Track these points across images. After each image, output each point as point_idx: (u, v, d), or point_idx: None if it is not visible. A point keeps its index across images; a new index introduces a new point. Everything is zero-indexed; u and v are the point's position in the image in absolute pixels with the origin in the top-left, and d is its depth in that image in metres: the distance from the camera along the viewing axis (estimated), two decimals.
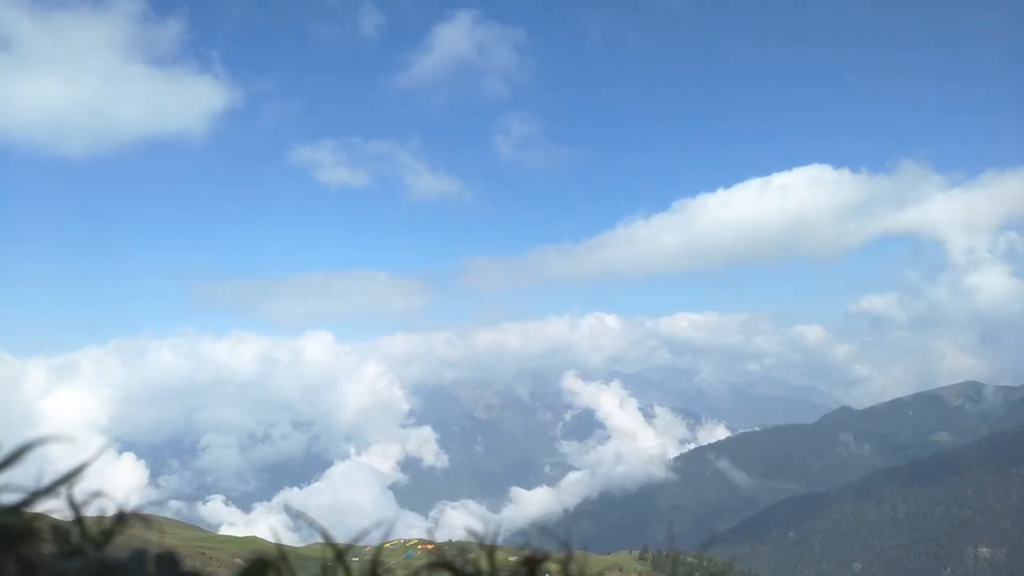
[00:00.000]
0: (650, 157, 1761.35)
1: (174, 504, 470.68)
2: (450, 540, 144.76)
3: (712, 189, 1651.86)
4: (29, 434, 2.24)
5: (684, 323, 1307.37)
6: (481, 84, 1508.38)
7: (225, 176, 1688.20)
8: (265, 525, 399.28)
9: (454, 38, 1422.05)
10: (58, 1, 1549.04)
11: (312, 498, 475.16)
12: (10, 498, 2.28)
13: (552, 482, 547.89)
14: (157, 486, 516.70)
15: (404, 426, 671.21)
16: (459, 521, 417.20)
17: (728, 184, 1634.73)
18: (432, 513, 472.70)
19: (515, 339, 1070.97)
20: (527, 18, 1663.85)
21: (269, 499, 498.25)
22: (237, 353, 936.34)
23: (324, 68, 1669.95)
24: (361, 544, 2.30)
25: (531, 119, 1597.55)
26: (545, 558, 2.26)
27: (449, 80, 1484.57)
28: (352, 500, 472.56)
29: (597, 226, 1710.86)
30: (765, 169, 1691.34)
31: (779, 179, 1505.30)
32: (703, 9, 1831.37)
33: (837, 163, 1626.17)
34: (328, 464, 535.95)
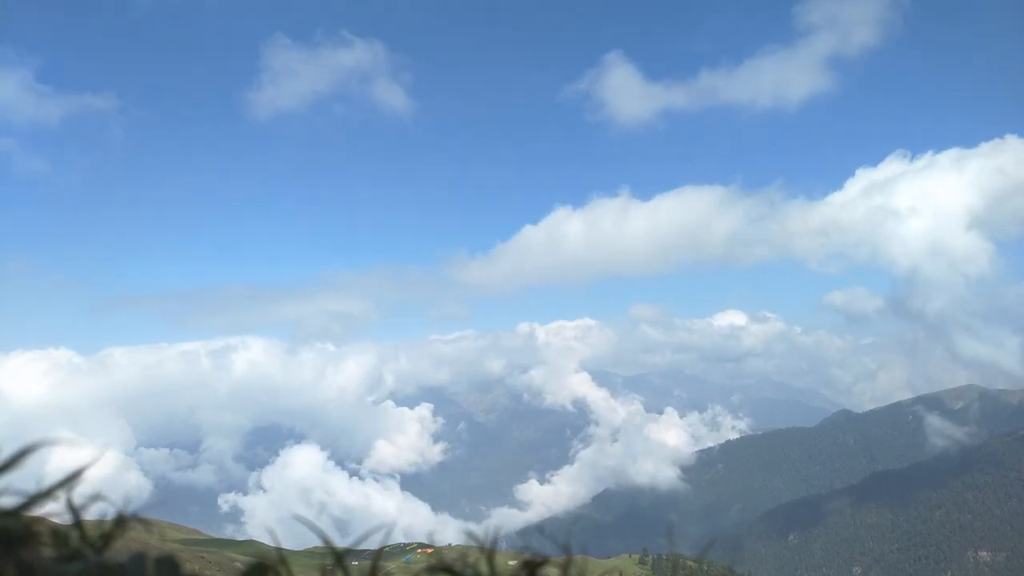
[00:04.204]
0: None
1: (170, 506, 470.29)
2: (450, 544, 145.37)
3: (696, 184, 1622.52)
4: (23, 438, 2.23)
5: (683, 326, 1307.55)
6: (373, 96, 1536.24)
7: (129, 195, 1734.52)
8: (264, 528, 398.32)
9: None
10: None
11: (311, 501, 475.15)
12: (9, 501, 2.26)
13: (551, 485, 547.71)
14: (149, 488, 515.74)
15: (401, 430, 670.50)
16: (458, 524, 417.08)
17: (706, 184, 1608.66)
18: (432, 517, 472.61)
19: (508, 342, 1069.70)
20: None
21: (267, 500, 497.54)
22: (226, 356, 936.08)
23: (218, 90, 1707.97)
24: (360, 548, 2.36)
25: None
26: (545, 562, 2.26)
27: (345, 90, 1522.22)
28: (351, 503, 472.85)
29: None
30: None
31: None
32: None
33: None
34: (325, 467, 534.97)
